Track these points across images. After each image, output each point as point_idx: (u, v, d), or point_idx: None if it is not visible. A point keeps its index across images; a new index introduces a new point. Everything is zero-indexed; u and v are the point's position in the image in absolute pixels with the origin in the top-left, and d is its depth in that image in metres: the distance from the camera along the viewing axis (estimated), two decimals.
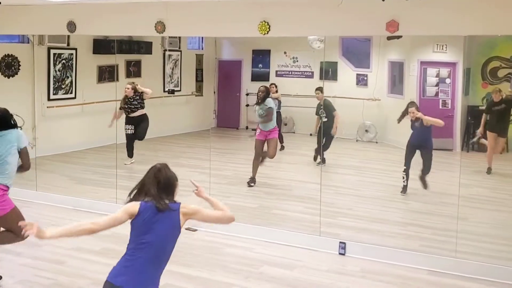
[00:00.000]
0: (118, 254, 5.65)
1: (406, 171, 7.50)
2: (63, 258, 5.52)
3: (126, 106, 9.13)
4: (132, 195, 3.27)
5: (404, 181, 7.52)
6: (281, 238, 6.11)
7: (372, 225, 6.58)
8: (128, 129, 9.18)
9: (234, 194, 7.71)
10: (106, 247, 5.92)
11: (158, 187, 3.21)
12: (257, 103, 8.26)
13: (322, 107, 8.81)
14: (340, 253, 5.81)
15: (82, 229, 3.18)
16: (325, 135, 8.67)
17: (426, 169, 7.35)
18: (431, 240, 6.16)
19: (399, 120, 7.72)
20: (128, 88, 9.09)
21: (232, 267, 5.38)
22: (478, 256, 5.54)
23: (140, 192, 3.25)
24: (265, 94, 8.23)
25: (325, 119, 8.85)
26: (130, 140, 9.27)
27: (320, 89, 8.97)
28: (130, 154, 9.27)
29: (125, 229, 6.93)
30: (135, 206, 3.19)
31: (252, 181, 8.03)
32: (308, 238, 6.05)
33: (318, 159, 9.03)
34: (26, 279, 5.08)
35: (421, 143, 7.38)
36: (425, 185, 7.39)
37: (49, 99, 9.70)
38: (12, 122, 4.75)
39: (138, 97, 9.12)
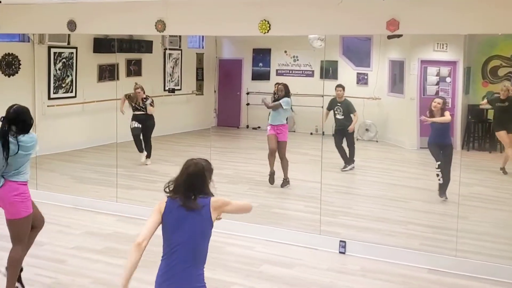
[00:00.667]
0: (119, 253, 5.70)
1: (441, 167, 7.27)
2: (64, 257, 5.53)
3: (133, 105, 9.24)
4: (167, 190, 3.24)
5: (439, 180, 7.29)
6: (281, 237, 6.11)
7: (372, 224, 6.58)
8: (134, 124, 9.29)
9: (234, 193, 7.70)
10: (107, 246, 5.94)
11: (186, 184, 3.16)
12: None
13: (339, 104, 8.86)
14: (340, 252, 5.82)
15: (137, 254, 3.22)
16: (344, 135, 8.70)
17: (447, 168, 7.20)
18: (431, 239, 6.16)
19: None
20: (139, 92, 9.21)
21: (233, 266, 5.39)
22: (478, 255, 5.54)
23: (174, 188, 3.21)
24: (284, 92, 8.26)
25: (342, 117, 8.91)
26: (137, 136, 9.33)
27: (342, 87, 9.03)
28: (140, 148, 9.33)
29: (125, 228, 6.95)
30: (162, 204, 3.20)
31: (271, 178, 8.07)
32: (309, 237, 6.06)
33: (345, 165, 8.96)
34: (27, 277, 5.07)
35: (442, 141, 7.27)
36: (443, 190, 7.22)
37: (49, 98, 9.70)
38: (31, 122, 4.52)
39: (141, 101, 9.22)
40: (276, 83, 8.70)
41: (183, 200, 3.13)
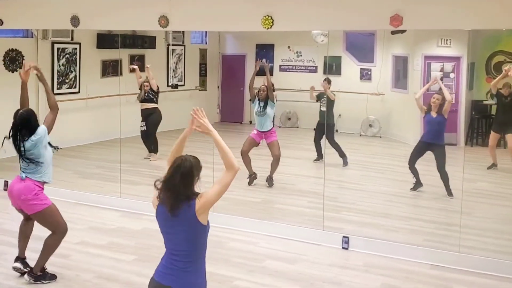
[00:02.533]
0: (123, 248, 5.73)
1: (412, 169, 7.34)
2: (68, 252, 5.55)
3: (141, 93, 9.28)
4: (157, 187, 3.10)
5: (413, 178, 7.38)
6: (284, 232, 6.12)
7: (375, 220, 6.59)
8: (141, 126, 9.39)
9: (237, 188, 7.71)
10: (111, 241, 5.96)
11: (172, 183, 3.02)
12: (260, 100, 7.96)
13: (325, 97, 8.81)
14: (343, 247, 5.82)
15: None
16: (323, 131, 8.60)
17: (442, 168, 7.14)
18: (434, 234, 6.16)
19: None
20: (147, 86, 9.24)
21: (235, 261, 5.40)
22: (481, 251, 5.54)
23: (161, 188, 3.09)
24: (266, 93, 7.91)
25: (324, 109, 8.86)
26: (143, 137, 9.41)
27: (328, 81, 8.98)
28: (148, 148, 9.38)
29: (129, 224, 6.97)
30: (154, 207, 3.15)
31: (251, 178, 7.87)
32: (311, 232, 6.06)
33: (317, 158, 9.05)
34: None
35: (434, 140, 7.18)
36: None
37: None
38: (36, 124, 4.79)
39: (152, 91, 9.25)
40: (264, 84, 8.55)
41: (169, 206, 3.01)
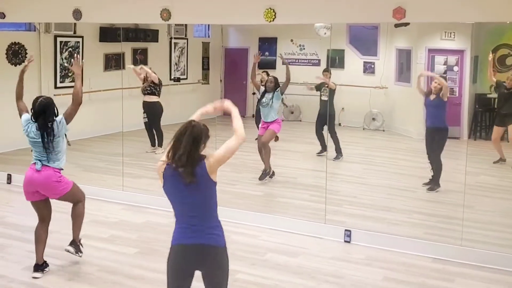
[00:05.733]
0: (125, 241, 5.74)
1: (430, 158, 7.26)
2: None
3: (144, 86, 9.33)
4: (170, 155, 3.13)
5: (431, 171, 7.30)
6: (286, 226, 6.12)
7: (377, 213, 6.58)
8: (144, 117, 9.41)
9: (239, 182, 7.73)
10: (113, 234, 5.98)
11: (179, 146, 3.08)
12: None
13: (326, 86, 8.78)
14: (345, 241, 5.82)
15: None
16: (325, 122, 8.54)
17: (437, 155, 7.11)
18: (436, 228, 6.15)
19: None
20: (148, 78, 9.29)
21: (238, 254, 5.40)
22: (484, 244, 5.53)
23: (169, 152, 3.14)
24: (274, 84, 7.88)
25: (326, 98, 8.82)
26: (147, 129, 9.39)
27: (328, 71, 8.94)
28: (152, 142, 9.40)
29: (131, 217, 6.99)
30: (160, 171, 3.16)
31: (263, 176, 7.72)
32: (314, 225, 6.06)
33: (321, 150, 8.93)
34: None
35: (437, 124, 7.12)
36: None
37: (55, 87, 9.73)
38: (56, 111, 4.90)
39: (153, 83, 9.26)
40: (264, 71, 8.46)
41: (187, 175, 3.06)
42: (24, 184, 4.89)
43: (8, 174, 8.06)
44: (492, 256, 5.27)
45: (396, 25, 8.28)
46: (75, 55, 5.07)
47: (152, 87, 9.25)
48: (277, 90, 7.80)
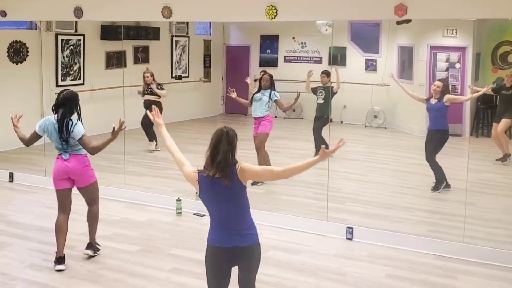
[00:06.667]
0: (127, 239, 5.74)
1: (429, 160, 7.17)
2: (73, 243, 5.56)
3: (145, 88, 9.35)
4: (208, 163, 3.33)
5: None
6: (288, 223, 6.12)
7: (379, 210, 6.58)
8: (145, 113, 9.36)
9: None
10: (115, 232, 5.98)
11: (217, 153, 3.27)
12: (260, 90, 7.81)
13: (322, 89, 8.73)
14: (347, 238, 5.82)
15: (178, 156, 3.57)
16: (322, 124, 8.50)
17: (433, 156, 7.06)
18: (438, 225, 6.15)
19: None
20: (148, 76, 9.27)
21: None
22: (486, 241, 5.53)
23: (207, 161, 3.34)
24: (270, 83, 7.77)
25: (322, 101, 8.76)
26: (144, 126, 9.36)
27: (326, 73, 8.84)
28: (150, 138, 9.37)
29: (133, 215, 6.97)
30: (194, 176, 3.36)
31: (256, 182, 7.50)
32: (316, 223, 6.06)
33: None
34: (36, 263, 5.13)
35: (439, 127, 7.05)
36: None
37: (57, 86, 9.72)
38: (76, 110, 5.04)
39: (151, 84, 9.29)
40: (262, 71, 8.39)
41: (226, 178, 3.25)
42: (55, 173, 5.03)
43: (10, 173, 8.06)
44: (494, 253, 5.26)
45: (398, 22, 8.25)
46: (120, 122, 5.11)
47: (149, 92, 9.27)
48: (273, 91, 7.70)
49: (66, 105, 4.94)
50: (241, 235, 3.33)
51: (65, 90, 5.05)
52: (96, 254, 5.26)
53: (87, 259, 5.20)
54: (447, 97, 7.03)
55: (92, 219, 5.25)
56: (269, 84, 7.77)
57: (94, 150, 5.00)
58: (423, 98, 7.35)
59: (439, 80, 7.38)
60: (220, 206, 3.34)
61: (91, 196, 5.20)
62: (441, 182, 7.09)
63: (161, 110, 9.30)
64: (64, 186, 5.05)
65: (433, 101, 7.13)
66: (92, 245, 5.26)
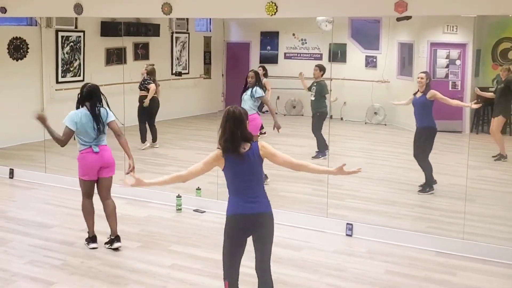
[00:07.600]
0: (128, 235, 5.75)
1: (418, 158, 7.08)
2: (73, 239, 5.58)
3: (140, 83, 9.39)
4: (221, 142, 3.59)
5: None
6: (288, 220, 6.12)
7: (379, 207, 6.59)
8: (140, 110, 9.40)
9: None
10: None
11: (232, 130, 3.54)
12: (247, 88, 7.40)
13: (314, 85, 8.67)
14: (347, 235, 5.83)
15: (176, 176, 3.72)
16: (319, 119, 8.46)
17: (424, 156, 6.93)
18: (438, 221, 6.16)
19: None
20: (143, 73, 9.32)
21: None
22: (486, 238, 5.54)
23: (224, 141, 3.57)
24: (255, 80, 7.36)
25: (313, 98, 8.71)
26: (140, 123, 9.36)
27: (319, 67, 8.68)
28: (143, 138, 9.32)
29: (136, 211, 6.98)
30: (220, 159, 3.59)
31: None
32: (316, 219, 6.07)
33: (317, 154, 8.65)
34: (36, 259, 5.14)
35: (424, 124, 6.88)
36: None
37: (57, 82, 9.72)
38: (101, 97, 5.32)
39: (145, 79, 9.29)
40: (261, 66, 8.30)
41: (236, 153, 3.54)
42: (88, 166, 5.29)
43: (10, 169, 8.07)
44: (494, 250, 5.27)
45: (398, 19, 8.25)
46: (130, 167, 5.46)
47: (143, 83, 9.27)
48: (256, 87, 7.26)
49: (93, 97, 5.20)
50: (260, 202, 3.65)
51: (86, 84, 5.33)
52: (121, 245, 5.40)
53: (114, 251, 5.33)
54: (431, 92, 6.82)
55: (110, 212, 5.41)
56: (254, 81, 7.34)
57: (121, 138, 5.40)
58: (411, 97, 7.23)
59: (422, 72, 7.14)
60: (241, 176, 3.61)
61: (110, 186, 5.43)
62: (429, 184, 7.00)
63: (158, 106, 9.36)
64: (93, 177, 5.33)
65: (418, 94, 7.00)
66: (118, 237, 5.39)
